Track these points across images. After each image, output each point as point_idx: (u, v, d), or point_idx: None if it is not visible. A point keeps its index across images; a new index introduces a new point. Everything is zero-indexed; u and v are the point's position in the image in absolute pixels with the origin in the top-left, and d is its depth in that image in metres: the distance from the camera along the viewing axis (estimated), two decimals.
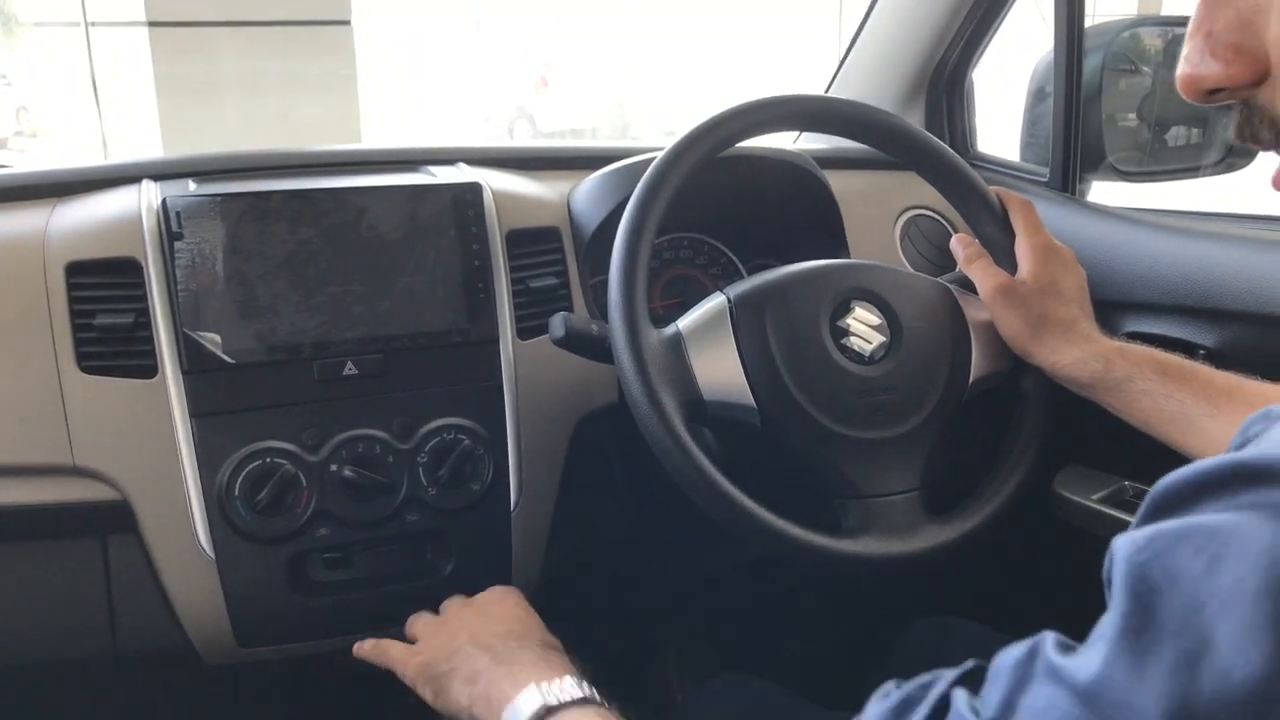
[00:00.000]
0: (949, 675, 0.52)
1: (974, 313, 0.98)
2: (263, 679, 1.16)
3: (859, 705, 0.56)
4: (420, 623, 0.94)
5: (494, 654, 0.83)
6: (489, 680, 0.81)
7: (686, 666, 1.45)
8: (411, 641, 0.93)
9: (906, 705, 0.52)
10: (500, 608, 0.92)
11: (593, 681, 0.78)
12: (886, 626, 1.12)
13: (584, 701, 0.76)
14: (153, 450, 0.93)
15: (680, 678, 1.42)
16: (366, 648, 0.93)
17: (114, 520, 0.93)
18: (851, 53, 1.50)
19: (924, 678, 0.53)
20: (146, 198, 0.97)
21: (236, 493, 0.93)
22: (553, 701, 0.75)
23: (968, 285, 1.00)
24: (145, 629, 0.97)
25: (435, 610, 0.95)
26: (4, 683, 1.07)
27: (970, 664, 0.52)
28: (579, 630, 1.33)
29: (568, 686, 0.76)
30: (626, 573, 1.26)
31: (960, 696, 0.49)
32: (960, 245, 1.00)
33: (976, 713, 0.47)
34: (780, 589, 1.43)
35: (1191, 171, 1.28)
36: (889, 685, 0.56)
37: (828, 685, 1.03)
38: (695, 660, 1.46)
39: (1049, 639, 0.46)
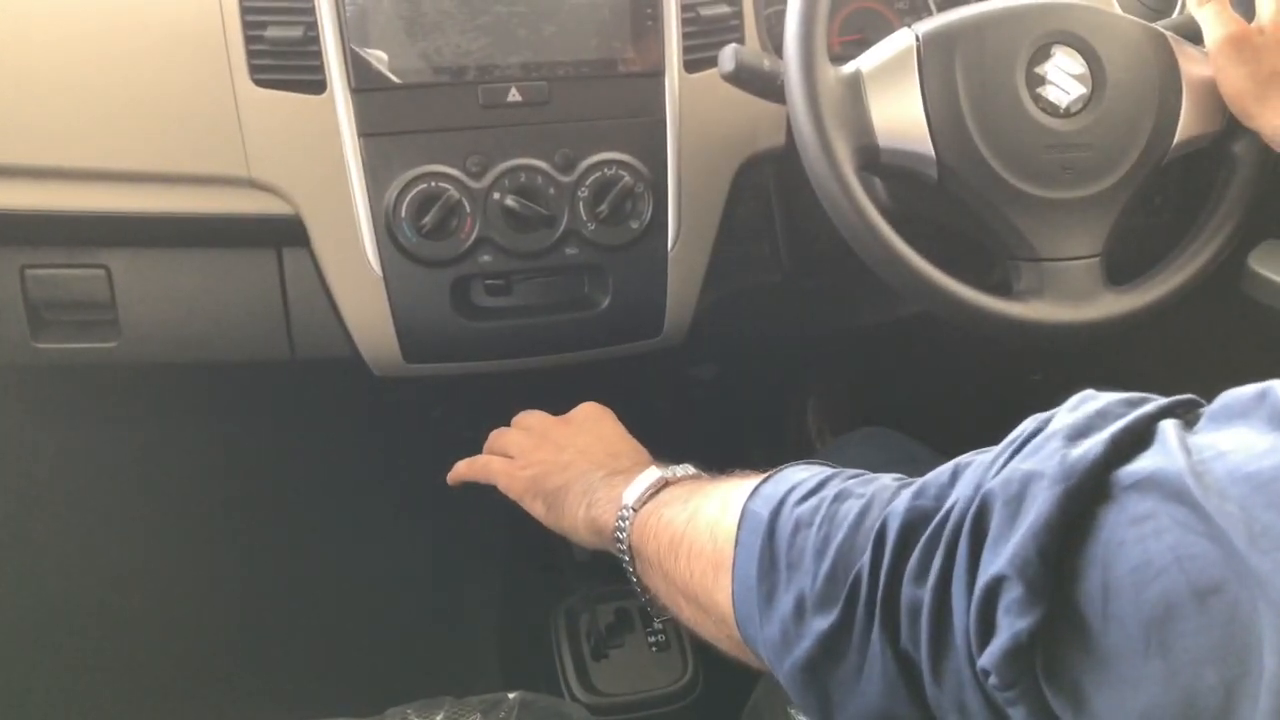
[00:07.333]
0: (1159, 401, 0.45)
1: (1190, 66, 0.89)
2: (425, 389, 1.22)
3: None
4: (512, 436, 0.90)
5: (608, 470, 0.79)
6: (607, 492, 0.76)
7: (827, 419, 1.46)
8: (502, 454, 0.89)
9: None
10: (602, 427, 0.88)
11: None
12: (1041, 397, 1.09)
13: (697, 476, 0.72)
14: (323, 167, 0.94)
15: (820, 429, 1.44)
16: (462, 469, 0.91)
17: (287, 234, 0.97)
18: None
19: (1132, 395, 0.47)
20: None
21: (403, 214, 0.94)
22: (670, 476, 0.71)
23: (1186, 34, 0.90)
24: (319, 339, 1.02)
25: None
26: (191, 378, 1.16)
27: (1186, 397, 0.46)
28: (722, 373, 1.35)
29: (684, 468, 0.73)
30: (777, 321, 1.25)
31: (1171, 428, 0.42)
32: None
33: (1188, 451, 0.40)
34: (930, 351, 1.41)
35: None
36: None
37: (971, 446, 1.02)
38: (836, 413, 1.48)
39: None
